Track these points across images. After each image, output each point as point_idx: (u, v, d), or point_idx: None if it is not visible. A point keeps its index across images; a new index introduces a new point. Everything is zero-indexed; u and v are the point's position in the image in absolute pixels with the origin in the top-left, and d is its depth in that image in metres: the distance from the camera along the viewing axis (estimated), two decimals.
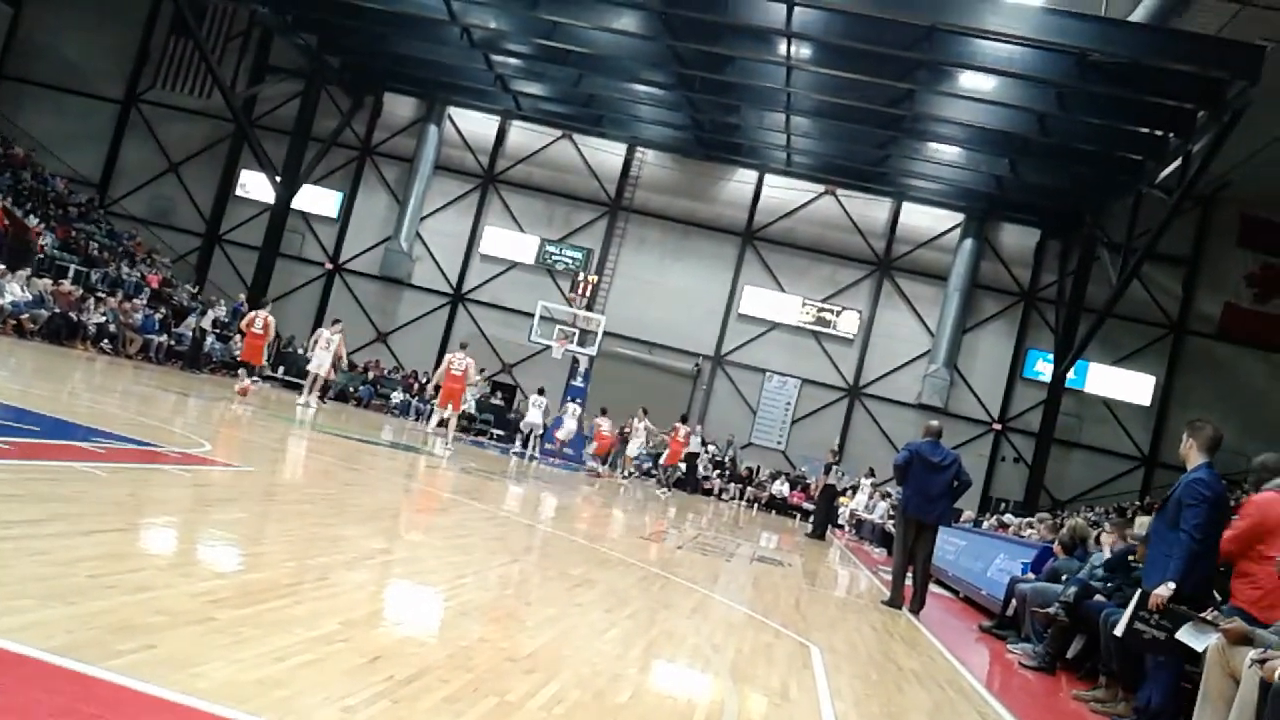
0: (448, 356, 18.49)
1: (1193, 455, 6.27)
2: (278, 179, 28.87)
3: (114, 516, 5.26)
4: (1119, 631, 6.25)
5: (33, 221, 23.82)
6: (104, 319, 21.35)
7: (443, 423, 18.23)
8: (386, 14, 25.08)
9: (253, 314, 19.00)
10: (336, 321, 20.16)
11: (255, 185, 30.75)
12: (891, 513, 21.45)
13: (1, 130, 29.02)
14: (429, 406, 23.07)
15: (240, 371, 18.86)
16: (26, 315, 19.19)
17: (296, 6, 26.80)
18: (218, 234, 30.84)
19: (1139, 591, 6.01)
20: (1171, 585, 5.75)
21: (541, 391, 23.07)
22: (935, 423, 10.06)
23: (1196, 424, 6.40)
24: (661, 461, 23.86)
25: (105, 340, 21.14)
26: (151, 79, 30.38)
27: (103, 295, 22.38)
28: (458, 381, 17.73)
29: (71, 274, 22.83)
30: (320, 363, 18.74)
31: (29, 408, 8.64)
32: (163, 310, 24.41)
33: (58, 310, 20.17)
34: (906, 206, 29.04)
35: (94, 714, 2.50)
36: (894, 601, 9.78)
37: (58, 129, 30.15)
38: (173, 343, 23.33)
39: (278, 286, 29.47)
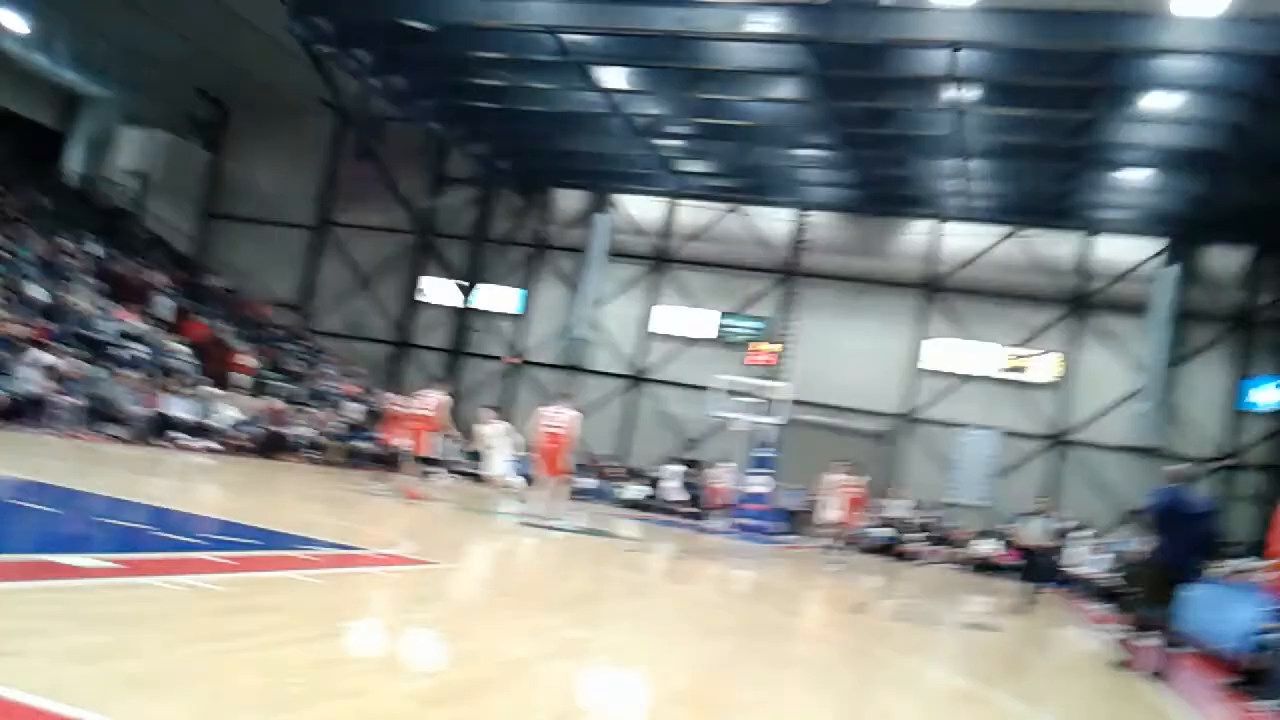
0: (539, 410, 15.29)
1: None
2: (463, 283, 30.24)
3: (323, 623, 5.44)
4: None
5: (240, 345, 25.64)
6: (308, 430, 22.62)
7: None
8: (550, 114, 26.11)
9: (422, 394, 16.29)
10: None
11: (438, 290, 32.26)
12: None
13: (210, 265, 31.55)
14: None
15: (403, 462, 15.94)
16: (245, 435, 20.58)
17: (466, 119, 28.26)
18: (407, 339, 32.35)
19: None
20: None
21: (674, 460, 23.14)
22: (1183, 466, 9.16)
23: None
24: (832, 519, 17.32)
25: (311, 449, 22.36)
26: (339, 201, 32.53)
27: (307, 407, 23.76)
28: (556, 441, 14.48)
29: (283, 392, 24.38)
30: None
31: (243, 520, 9.13)
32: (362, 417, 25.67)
33: (268, 427, 21.54)
34: (1099, 240, 27.65)
35: None
36: (1130, 663, 8.95)
37: (258, 257, 32.49)
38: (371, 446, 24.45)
39: (468, 381, 30.60)
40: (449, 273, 31.13)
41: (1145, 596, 8.54)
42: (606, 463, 28.73)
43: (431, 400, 15.61)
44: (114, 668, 3.61)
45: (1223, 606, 9.66)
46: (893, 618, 10.76)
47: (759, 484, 24.04)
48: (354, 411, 25.81)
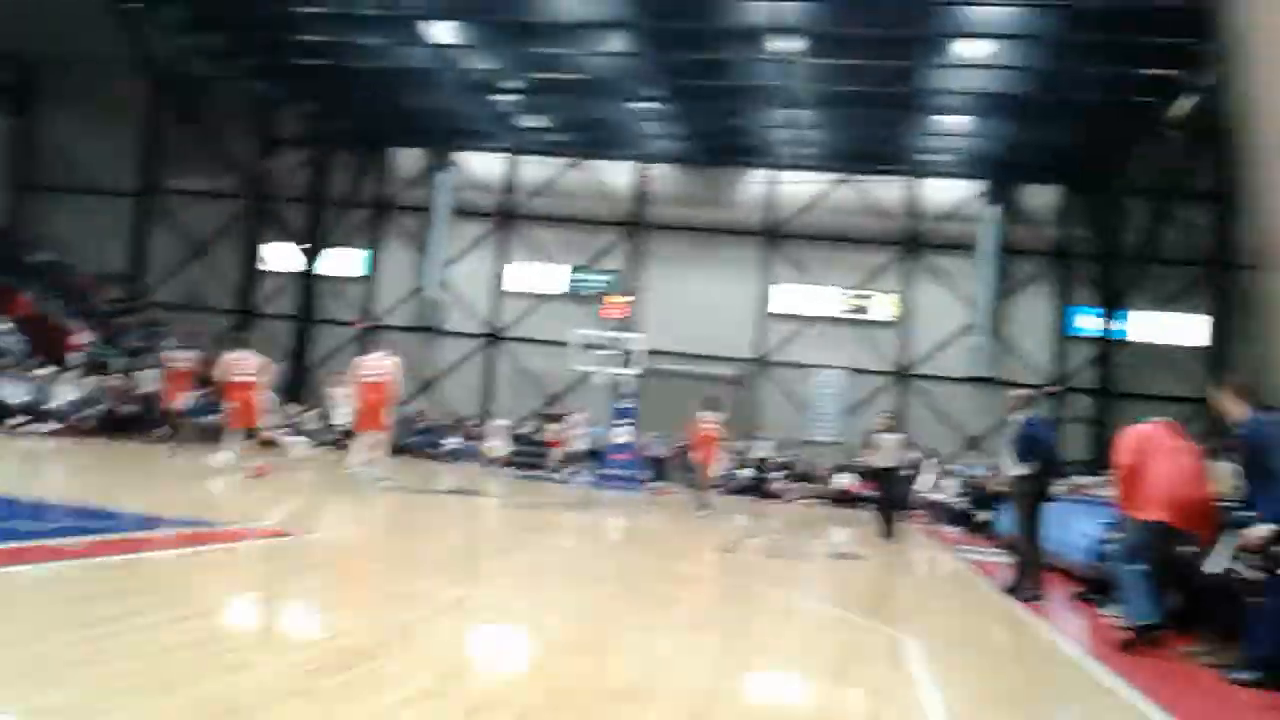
0: (358, 360, 14.63)
1: (1235, 406, 6.28)
2: (305, 246, 29.26)
3: (197, 600, 5.30)
4: (1209, 569, 6.23)
5: (70, 323, 24.25)
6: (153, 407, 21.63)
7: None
8: (381, 71, 25.38)
9: (232, 357, 14.24)
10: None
11: (280, 256, 31.12)
12: (963, 490, 21.21)
13: (26, 238, 29.54)
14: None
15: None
16: (80, 415, 19.50)
17: (293, 78, 27.22)
18: (250, 308, 31.15)
19: (1239, 534, 5.94)
20: (1272, 526, 5.65)
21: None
22: (1024, 391, 9.65)
23: (1228, 376, 6.68)
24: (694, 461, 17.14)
25: (158, 427, 21.39)
26: (165, 167, 30.89)
27: (148, 386, 22.69)
28: (377, 392, 13.41)
29: (121, 366, 23.19)
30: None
31: (93, 504, 8.73)
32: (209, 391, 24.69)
33: (109, 406, 20.47)
34: (926, 183, 28.84)
35: None
36: (1008, 584, 9.07)
37: (81, 228, 30.56)
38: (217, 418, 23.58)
39: (318, 350, 29.79)
40: (289, 237, 30.05)
41: (1021, 519, 8.87)
42: (470, 422, 28.50)
43: (251, 362, 13.86)
44: None
45: (1068, 522, 10.32)
46: (763, 554, 11.13)
47: (622, 434, 24.31)
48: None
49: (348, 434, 18.00)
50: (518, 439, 26.58)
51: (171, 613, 4.72)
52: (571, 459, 23.60)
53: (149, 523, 7.90)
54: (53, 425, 18.72)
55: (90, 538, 6.70)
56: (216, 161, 29.51)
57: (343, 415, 18.46)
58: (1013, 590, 8.79)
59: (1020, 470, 8.77)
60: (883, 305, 28.69)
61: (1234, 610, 6.12)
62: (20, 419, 18.29)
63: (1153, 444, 6.98)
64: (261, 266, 31.43)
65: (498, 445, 24.42)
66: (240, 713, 3.19)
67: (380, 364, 13.56)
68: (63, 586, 4.99)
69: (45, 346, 22.03)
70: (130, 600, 4.91)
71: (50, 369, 20.50)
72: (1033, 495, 8.78)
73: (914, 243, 28.69)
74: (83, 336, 23.74)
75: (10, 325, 21.91)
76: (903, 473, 15.87)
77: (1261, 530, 5.74)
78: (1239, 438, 6.22)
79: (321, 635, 4.90)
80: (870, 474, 16.23)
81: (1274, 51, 6.35)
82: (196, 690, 3.41)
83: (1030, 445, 8.85)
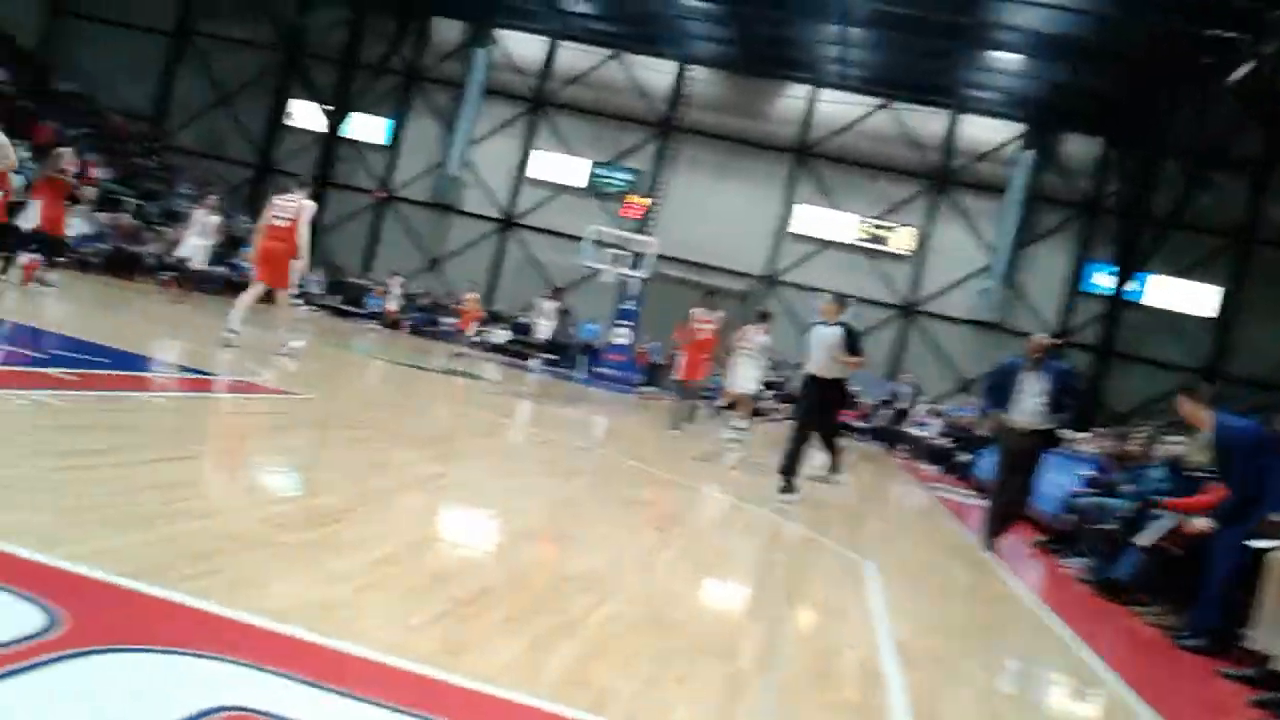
0: (272, 199, 11.58)
1: (1204, 415, 6.53)
2: (328, 107, 28.90)
3: (178, 445, 5.41)
4: (1141, 542, 6.54)
5: (88, 156, 24.10)
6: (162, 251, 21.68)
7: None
8: None
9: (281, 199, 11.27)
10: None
11: (305, 114, 30.77)
12: (947, 430, 21.39)
13: (56, 65, 29.20)
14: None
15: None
16: (90, 249, 19.56)
17: None
18: (269, 164, 30.96)
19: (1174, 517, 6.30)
20: (1212, 524, 6.06)
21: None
22: (1042, 336, 8.81)
23: (1191, 387, 6.92)
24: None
25: (164, 272, 21.48)
26: (201, 8, 30.37)
27: (160, 228, 22.68)
28: (281, 238, 10.83)
29: (133, 208, 23.15)
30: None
31: (93, 339, 8.84)
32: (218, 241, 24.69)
33: (118, 244, 20.51)
34: (965, 119, 28.32)
35: (168, 635, 2.60)
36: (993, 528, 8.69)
37: (110, 64, 30.24)
38: (230, 273, 23.64)
39: (332, 215, 29.68)
40: (316, 96, 29.67)
41: (1026, 470, 8.43)
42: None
43: (292, 206, 10.94)
44: None
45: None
46: (740, 468, 11.28)
47: (622, 335, 24.41)
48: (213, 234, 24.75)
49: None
50: (516, 327, 26.70)
51: (151, 454, 4.82)
52: (540, 348, 23.15)
53: (144, 364, 8.01)
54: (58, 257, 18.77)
55: (85, 370, 6.80)
56: (253, 9, 29.01)
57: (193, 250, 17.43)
58: (994, 535, 8.54)
59: (1053, 421, 8.28)
60: (901, 238, 28.45)
61: (1186, 579, 6.26)
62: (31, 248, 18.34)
63: None
64: (287, 122, 31.11)
65: (544, 326, 23.73)
66: (205, 557, 3.29)
67: (290, 205, 10.92)
68: (49, 415, 5.09)
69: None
70: (113, 437, 5.02)
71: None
72: (1043, 447, 8.39)
73: (943, 178, 28.31)
74: (99, 171, 23.65)
75: (29, 154, 21.78)
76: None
77: (1202, 524, 6.15)
78: (1210, 443, 6.58)
79: (296, 493, 5.01)
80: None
81: None
82: (164, 530, 3.51)
83: (1067, 394, 8.41)
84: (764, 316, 14.38)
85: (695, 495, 8.49)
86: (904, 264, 28.45)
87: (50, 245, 13.81)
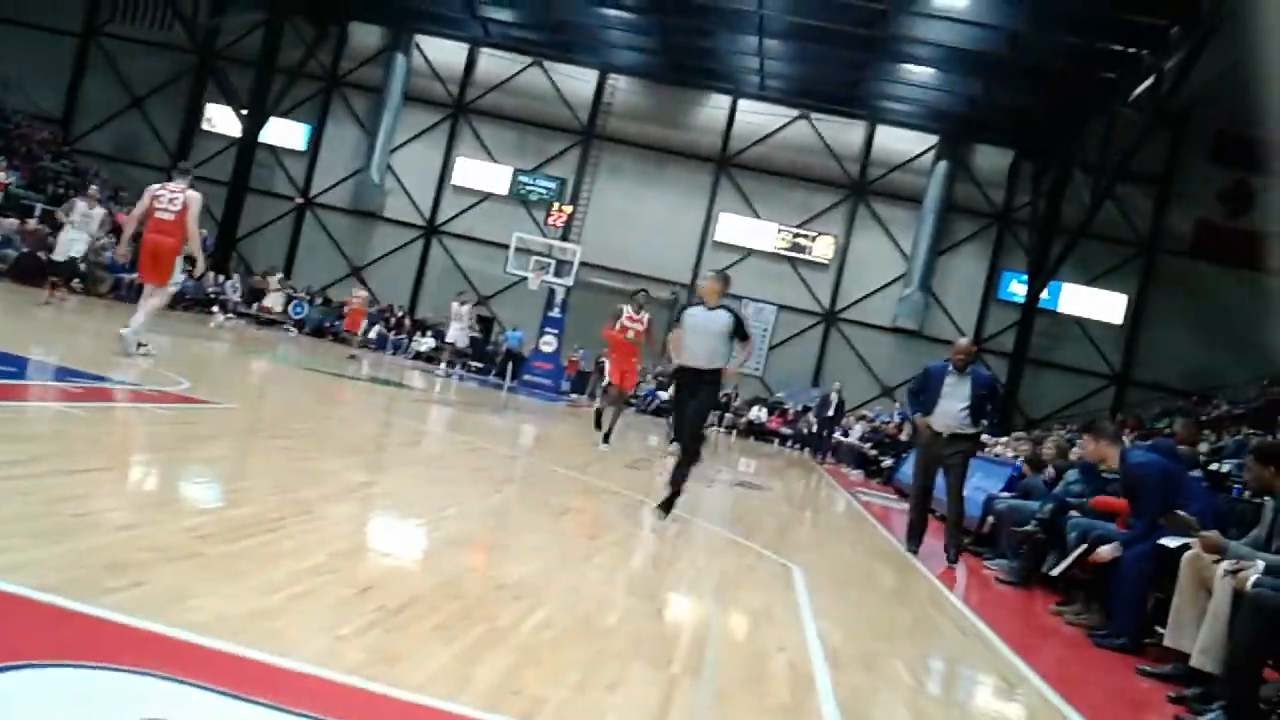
0: (150, 188, 10.61)
1: (1109, 451, 6.86)
2: (243, 112, 28.35)
3: (95, 456, 5.25)
4: (1053, 573, 6.84)
5: None
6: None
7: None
8: None
9: (160, 188, 10.52)
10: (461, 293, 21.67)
11: (221, 119, 30.15)
12: (868, 435, 21.74)
13: None
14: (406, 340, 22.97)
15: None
16: None
17: None
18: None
19: (1083, 542, 6.50)
20: (1118, 550, 6.24)
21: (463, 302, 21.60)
22: (964, 341, 8.75)
23: (1094, 426, 7.28)
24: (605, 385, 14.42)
25: (75, 280, 20.82)
26: (110, 11, 29.54)
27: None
28: (166, 231, 10.19)
29: (38, 212, 22.41)
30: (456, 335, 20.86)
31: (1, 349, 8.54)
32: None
33: (25, 249, 19.84)
34: (881, 129, 28.91)
35: (91, 650, 2.52)
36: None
37: (16, 64, 29.27)
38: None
39: (249, 222, 29.11)
40: (232, 100, 29.11)
41: (956, 475, 8.46)
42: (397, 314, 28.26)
43: (179, 197, 10.22)
44: None
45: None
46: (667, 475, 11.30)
47: (548, 343, 24.34)
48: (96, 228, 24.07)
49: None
50: (439, 335, 26.39)
51: (66, 464, 4.67)
52: (456, 353, 22.56)
53: (55, 373, 7.76)
54: None
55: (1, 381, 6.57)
56: (165, 11, 28.34)
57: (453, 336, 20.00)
58: (918, 539, 8.65)
59: (976, 428, 8.38)
60: (821, 246, 28.89)
61: (1103, 583, 6.46)
62: None
63: None
64: (204, 127, 30.43)
65: (458, 330, 21.75)
66: (126, 569, 3.20)
67: (176, 195, 10.21)
68: None
69: None
70: (26, 447, 4.85)
71: None
72: (968, 451, 8.47)
73: (861, 188, 28.83)
74: (4, 175, 22.88)
75: None
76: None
77: (1108, 552, 6.31)
78: (1119, 476, 6.81)
79: (219, 504, 4.90)
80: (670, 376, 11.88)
81: None
82: (82, 543, 3.41)
83: (990, 399, 8.60)
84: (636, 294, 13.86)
85: (626, 503, 8.50)
86: (825, 272, 28.88)
87: None
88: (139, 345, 9.82)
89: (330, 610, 3.35)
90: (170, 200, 10.12)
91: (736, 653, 4.26)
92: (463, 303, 21.20)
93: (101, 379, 8.02)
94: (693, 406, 7.49)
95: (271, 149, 30.15)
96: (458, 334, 21.24)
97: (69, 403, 6.64)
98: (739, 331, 7.41)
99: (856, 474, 19.76)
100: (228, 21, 29.48)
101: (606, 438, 12.77)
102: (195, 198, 10.22)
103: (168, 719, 2.26)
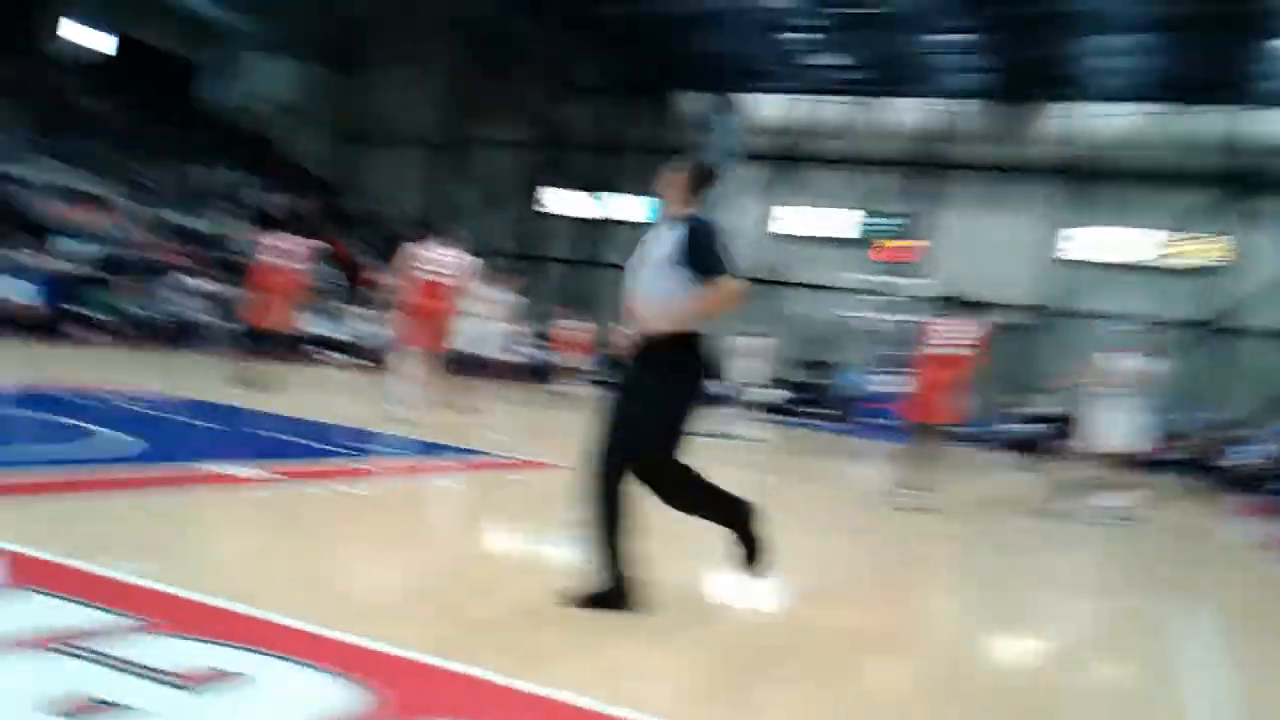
0: (411, 248, 10.04)
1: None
2: (587, 191, 30.33)
3: (479, 522, 5.60)
4: None
5: (375, 264, 26.28)
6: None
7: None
8: (671, 16, 25.79)
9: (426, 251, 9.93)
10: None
11: (559, 201, 32.37)
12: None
13: (346, 188, 32.19)
14: None
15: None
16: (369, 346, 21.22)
17: (588, 27, 28.08)
18: (529, 251, 32.24)
19: None
20: None
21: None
22: None
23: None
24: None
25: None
26: (466, 118, 32.63)
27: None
28: (438, 296, 9.76)
29: None
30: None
31: (384, 431, 9.29)
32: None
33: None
34: (1255, 114, 25.71)
35: (472, 709, 2.62)
36: None
37: (386, 177, 32.87)
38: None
39: (601, 297, 30.83)
40: (572, 183, 31.19)
41: None
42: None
43: (455, 263, 9.88)
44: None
45: None
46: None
47: (888, 383, 23.66)
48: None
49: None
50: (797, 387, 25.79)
51: (455, 533, 5.00)
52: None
53: (429, 449, 8.35)
54: (346, 356, 20.30)
55: (387, 459, 7.23)
56: (514, 111, 30.94)
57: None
58: None
59: None
60: (1202, 250, 26.01)
61: None
62: (315, 349, 19.90)
63: None
64: (540, 209, 32.69)
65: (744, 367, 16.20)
66: (518, 632, 3.33)
67: (447, 257, 9.74)
68: (341, 501, 5.40)
69: (354, 286, 24.06)
70: (404, 519, 5.25)
71: (356, 307, 22.40)
72: None
73: (1243, 180, 25.68)
74: (385, 278, 25.68)
75: (336, 271, 23.96)
76: None
77: None
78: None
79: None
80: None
81: None
82: (504, 594, 3.60)
83: None
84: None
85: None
86: (1202, 278, 25.94)
87: None
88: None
89: (690, 667, 3.32)
90: (439, 261, 9.86)
91: None
92: (748, 336, 15.99)
93: (476, 452, 8.54)
94: (620, 405, 3.79)
95: (619, 223, 31.55)
96: (749, 372, 16.13)
97: (445, 475, 7.11)
98: (692, 258, 3.78)
99: (1253, 499, 17.28)
100: (568, 111, 31.55)
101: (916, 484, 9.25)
102: (473, 263, 10.20)
103: None
